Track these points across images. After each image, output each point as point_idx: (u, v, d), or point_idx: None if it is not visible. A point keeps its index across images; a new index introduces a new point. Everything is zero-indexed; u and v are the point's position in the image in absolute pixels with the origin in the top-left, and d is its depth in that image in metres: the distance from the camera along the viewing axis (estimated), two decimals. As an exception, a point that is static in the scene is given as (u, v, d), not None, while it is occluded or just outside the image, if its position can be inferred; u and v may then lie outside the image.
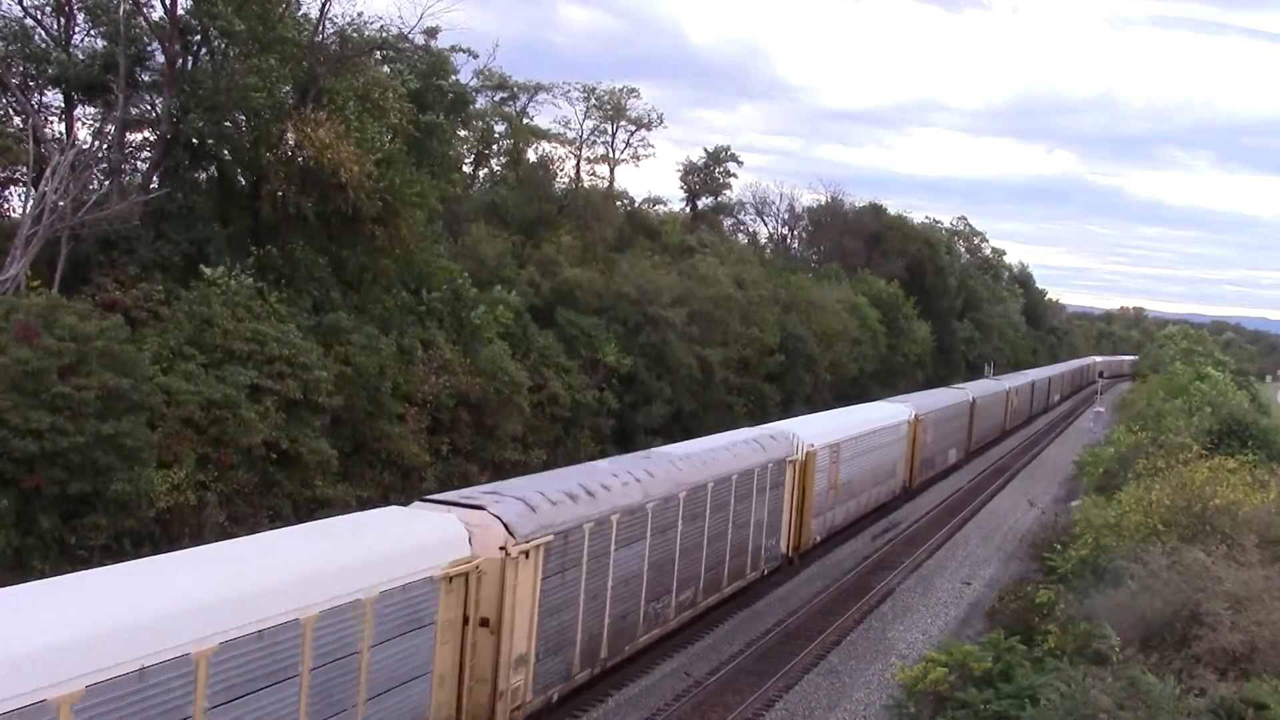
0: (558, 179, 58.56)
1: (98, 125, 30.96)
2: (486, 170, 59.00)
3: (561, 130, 62.31)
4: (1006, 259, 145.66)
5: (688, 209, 77.34)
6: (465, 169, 54.07)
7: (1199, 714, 15.48)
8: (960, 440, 57.48)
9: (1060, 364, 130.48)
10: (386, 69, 37.15)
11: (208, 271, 27.93)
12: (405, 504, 19.18)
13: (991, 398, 67.66)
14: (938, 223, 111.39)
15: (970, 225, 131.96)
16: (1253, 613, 18.34)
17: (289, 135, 30.68)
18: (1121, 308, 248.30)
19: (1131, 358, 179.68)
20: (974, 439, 61.37)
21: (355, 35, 34.26)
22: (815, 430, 34.09)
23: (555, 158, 59.87)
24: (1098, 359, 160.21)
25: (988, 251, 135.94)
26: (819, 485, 33.30)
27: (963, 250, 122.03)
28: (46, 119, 30.59)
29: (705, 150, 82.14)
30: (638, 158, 65.59)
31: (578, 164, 62.36)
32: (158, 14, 30.06)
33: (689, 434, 39.67)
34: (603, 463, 24.44)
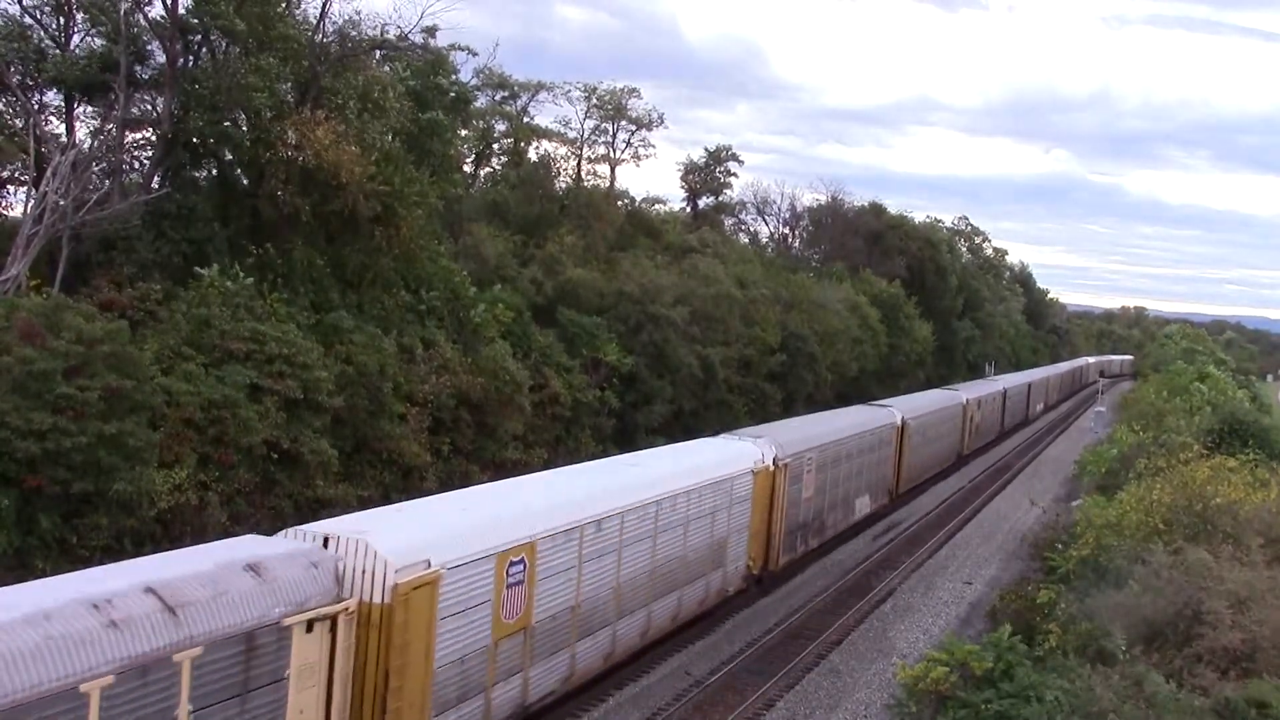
0: (559, 178, 58.56)
1: (98, 125, 30.96)
2: (487, 170, 59.03)
3: (562, 130, 62.37)
4: (1007, 258, 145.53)
5: (688, 208, 77.35)
6: (466, 168, 54.07)
7: (1201, 713, 15.48)
8: (878, 480, 41.05)
9: (1046, 366, 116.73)
10: (386, 68, 37.13)
11: (202, 272, 27.90)
12: None
13: (938, 416, 51.91)
14: (939, 222, 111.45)
15: (972, 225, 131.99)
16: (1255, 612, 18.34)
17: (289, 135, 30.65)
18: (1123, 307, 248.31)
19: (1125, 357, 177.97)
20: (906, 476, 45.15)
21: (355, 34, 34.25)
22: (449, 530, 16.97)
23: (556, 157, 59.90)
24: (1091, 359, 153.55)
25: (989, 251, 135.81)
26: (457, 645, 16.55)
27: (964, 250, 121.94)
28: (46, 119, 30.59)
29: (706, 150, 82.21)
30: (638, 157, 65.60)
31: (578, 163, 62.39)
32: (157, 12, 30.06)
33: (690, 433, 39.66)
34: None
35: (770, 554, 29.93)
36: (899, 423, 43.44)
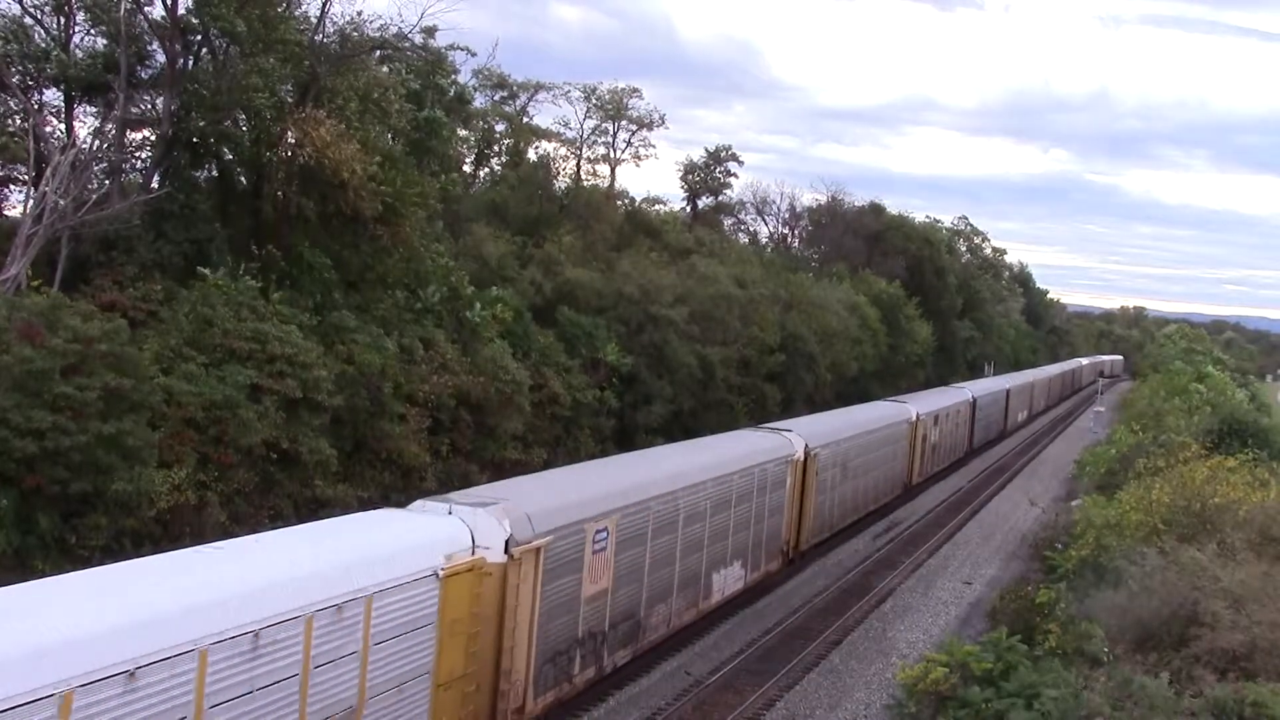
0: (558, 179, 58.63)
1: (98, 124, 30.99)
2: (487, 170, 59.08)
3: (561, 130, 62.41)
4: (1006, 258, 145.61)
5: (688, 208, 77.37)
6: (466, 169, 54.12)
7: (1197, 714, 15.51)
8: (763, 538, 29.27)
9: (1033, 369, 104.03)
10: (385, 69, 37.17)
11: (207, 274, 27.94)
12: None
13: (869, 439, 39.89)
14: (938, 222, 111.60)
15: (971, 225, 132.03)
16: (1252, 612, 18.37)
17: (290, 135, 30.68)
18: (1122, 307, 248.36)
19: (1116, 358, 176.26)
20: (812, 527, 33.38)
21: (355, 35, 34.26)
22: None
23: (556, 157, 59.95)
24: (1085, 360, 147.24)
25: (988, 251, 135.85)
26: None
27: (964, 250, 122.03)
28: (47, 118, 30.60)
29: (706, 150, 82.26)
30: (639, 158, 65.64)
31: (578, 164, 62.43)
32: (158, 13, 30.11)
33: (689, 433, 39.64)
34: None
35: (502, 709, 17.87)
36: (799, 455, 31.64)
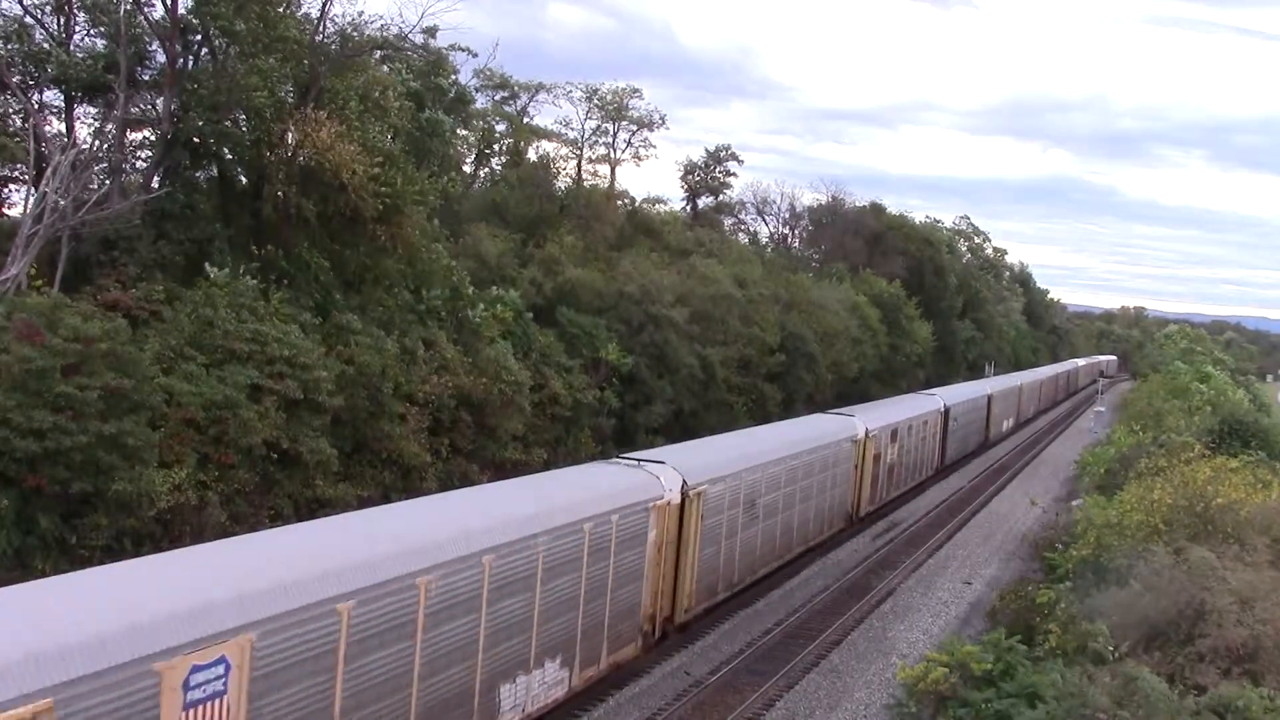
0: (559, 178, 58.59)
1: (98, 124, 30.97)
2: (487, 170, 59.04)
3: (562, 130, 62.36)
4: (1007, 258, 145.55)
5: (688, 208, 77.36)
6: (466, 168, 54.09)
7: (1197, 713, 15.51)
8: (604, 621, 21.19)
9: (1021, 372, 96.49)
10: (386, 69, 37.15)
11: (214, 273, 27.92)
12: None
13: (796, 466, 31.71)
14: (938, 222, 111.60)
15: (973, 225, 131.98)
16: (1258, 611, 18.38)
17: (290, 135, 30.67)
18: (1122, 307, 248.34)
19: (1109, 358, 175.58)
20: (695, 589, 25.44)
21: (355, 35, 34.25)
22: None
23: (556, 157, 59.88)
24: (1081, 361, 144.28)
25: (989, 251, 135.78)
26: None
27: (964, 250, 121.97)
28: (47, 118, 30.59)
29: (705, 149, 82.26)
30: (639, 158, 65.52)
31: (579, 164, 62.37)
32: (158, 13, 30.09)
33: (689, 434, 39.65)
34: None
35: None
36: (670, 497, 23.42)
